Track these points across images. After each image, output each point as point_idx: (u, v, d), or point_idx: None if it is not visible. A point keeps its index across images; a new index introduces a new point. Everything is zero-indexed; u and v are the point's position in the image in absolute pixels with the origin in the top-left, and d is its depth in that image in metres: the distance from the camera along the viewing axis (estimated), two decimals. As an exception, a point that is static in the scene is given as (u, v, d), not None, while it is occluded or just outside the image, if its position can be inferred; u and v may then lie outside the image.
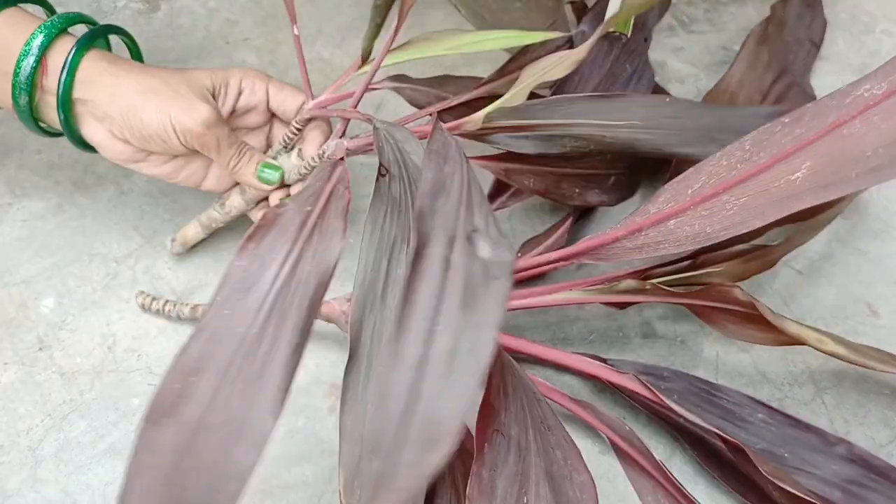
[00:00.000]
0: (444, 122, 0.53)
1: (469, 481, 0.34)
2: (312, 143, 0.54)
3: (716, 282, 0.52)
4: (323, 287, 0.36)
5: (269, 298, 0.35)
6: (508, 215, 0.63)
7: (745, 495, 0.49)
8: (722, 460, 0.50)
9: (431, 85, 0.57)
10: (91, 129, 0.52)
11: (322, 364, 0.55)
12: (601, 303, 0.52)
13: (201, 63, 0.70)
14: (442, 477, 0.41)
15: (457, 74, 0.60)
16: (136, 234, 0.61)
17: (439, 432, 0.26)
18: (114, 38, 0.56)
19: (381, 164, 0.43)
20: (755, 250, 0.53)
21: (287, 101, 0.55)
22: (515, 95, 0.46)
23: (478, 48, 0.53)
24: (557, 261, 0.48)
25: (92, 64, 0.50)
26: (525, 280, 0.55)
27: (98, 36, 0.52)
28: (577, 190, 0.56)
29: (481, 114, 0.48)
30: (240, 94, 0.54)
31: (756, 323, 0.50)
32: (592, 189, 0.57)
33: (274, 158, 0.55)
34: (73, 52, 0.49)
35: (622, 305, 0.54)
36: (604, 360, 0.52)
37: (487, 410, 0.36)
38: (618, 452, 0.50)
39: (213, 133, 0.51)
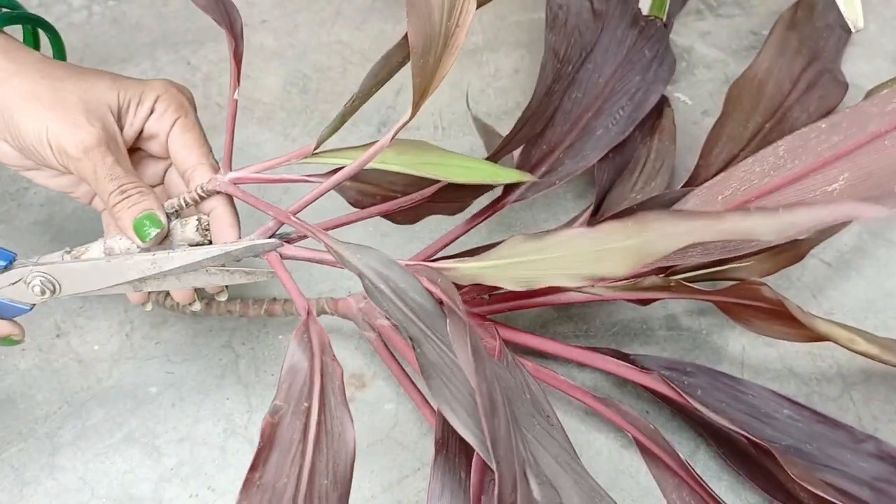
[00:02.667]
0: (396, 221, 0.50)
1: None
2: (222, 228, 0.45)
3: (742, 277, 0.51)
4: (345, 497, 0.33)
5: None
6: (530, 204, 0.62)
7: (771, 493, 0.48)
8: (747, 457, 0.49)
9: (375, 181, 0.50)
10: None
11: (340, 355, 0.54)
12: (624, 299, 0.51)
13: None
14: None
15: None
16: (153, 219, 0.60)
17: None
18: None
19: (410, 337, 0.37)
20: (783, 244, 0.52)
21: (184, 151, 0.45)
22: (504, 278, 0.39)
23: (456, 177, 0.45)
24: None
25: None
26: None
27: (7, 22, 0.47)
28: None
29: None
30: (151, 113, 0.46)
31: (784, 320, 0.49)
32: None
33: (168, 217, 0.44)
34: None
35: (646, 301, 0.53)
36: (626, 356, 0.51)
37: (483, 465, 0.37)
38: (641, 449, 0.49)
39: (89, 160, 0.42)
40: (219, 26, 0.46)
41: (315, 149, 0.45)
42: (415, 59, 0.36)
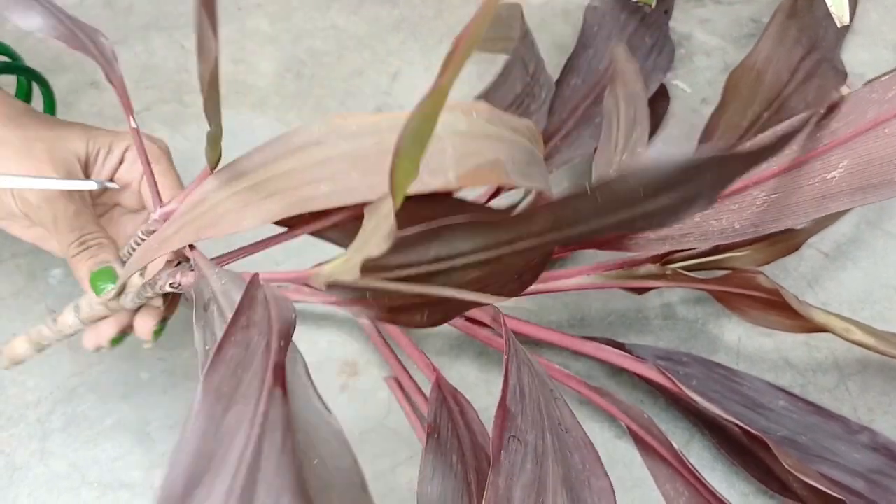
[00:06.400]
0: (335, 242, 0.38)
1: (485, 491, 0.32)
2: (156, 264, 0.41)
3: (738, 266, 0.50)
4: None
5: None
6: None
7: (765, 482, 0.48)
8: (741, 447, 0.49)
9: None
10: None
11: (334, 342, 0.54)
12: (620, 288, 0.51)
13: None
14: (458, 494, 0.40)
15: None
16: (146, 204, 0.60)
17: None
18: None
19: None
20: (780, 234, 0.52)
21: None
22: (345, 268, 0.30)
23: None
24: (577, 249, 0.46)
25: None
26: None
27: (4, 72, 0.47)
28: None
29: (323, 272, 0.31)
30: (120, 163, 0.45)
31: (780, 309, 0.48)
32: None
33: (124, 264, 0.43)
34: None
35: (641, 290, 0.53)
36: (621, 345, 0.51)
37: (504, 415, 0.34)
38: (635, 440, 0.49)
39: (50, 208, 0.41)
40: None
41: (211, 169, 0.38)
42: None
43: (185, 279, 0.39)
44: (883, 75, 0.57)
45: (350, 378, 0.53)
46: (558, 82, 0.58)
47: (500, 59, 0.55)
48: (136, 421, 0.51)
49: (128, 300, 0.42)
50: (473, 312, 0.48)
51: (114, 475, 0.49)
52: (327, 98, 0.66)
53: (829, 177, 0.37)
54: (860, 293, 0.58)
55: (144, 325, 0.44)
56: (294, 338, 0.55)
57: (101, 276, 0.41)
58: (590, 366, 0.54)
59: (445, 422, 0.41)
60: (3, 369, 0.47)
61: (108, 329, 0.44)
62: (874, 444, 0.49)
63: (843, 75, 0.63)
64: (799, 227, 0.52)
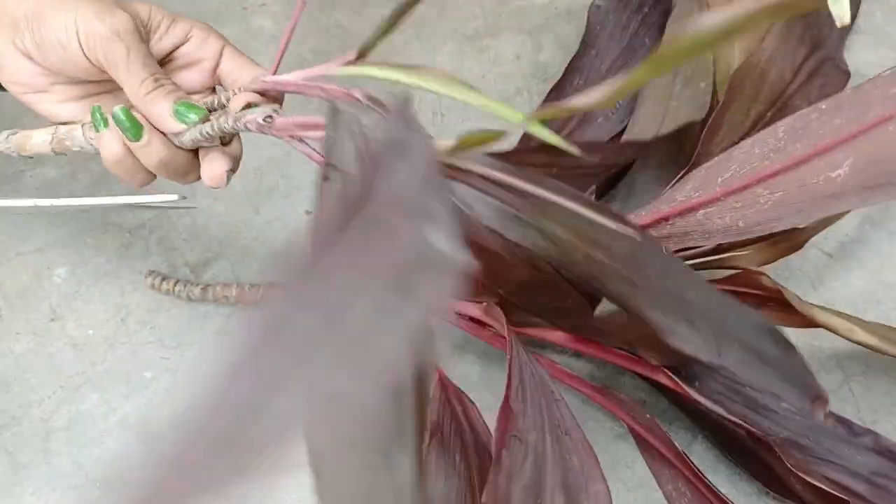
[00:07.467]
0: None
1: (486, 488, 0.32)
2: (239, 101, 0.44)
3: (741, 266, 0.50)
4: None
5: None
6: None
7: (768, 484, 0.48)
8: (744, 448, 0.49)
9: None
10: None
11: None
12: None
13: (220, 28, 0.69)
14: (461, 493, 0.40)
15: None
16: (150, 204, 0.60)
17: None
18: None
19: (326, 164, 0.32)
20: (782, 233, 0.51)
21: (241, 71, 0.46)
22: None
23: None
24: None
25: None
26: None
27: None
28: None
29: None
30: (184, 42, 0.45)
31: (782, 309, 0.48)
32: None
33: None
34: None
35: (644, 289, 0.53)
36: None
37: (507, 414, 0.34)
38: (638, 440, 0.49)
39: (122, 42, 0.41)
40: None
41: (357, 57, 0.41)
42: None
43: (281, 120, 0.40)
44: (885, 71, 0.57)
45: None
46: (561, 82, 0.58)
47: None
48: (139, 420, 0.51)
49: (186, 138, 0.42)
50: (477, 312, 0.48)
51: (118, 474, 0.49)
52: (331, 98, 0.66)
53: (833, 175, 0.36)
54: (865, 294, 0.57)
55: (216, 167, 0.44)
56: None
57: (187, 106, 0.42)
58: (592, 365, 0.54)
59: (449, 421, 0.41)
60: (5, 151, 0.45)
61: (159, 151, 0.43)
62: (877, 446, 0.49)
63: (846, 74, 0.62)
64: (802, 227, 0.52)
